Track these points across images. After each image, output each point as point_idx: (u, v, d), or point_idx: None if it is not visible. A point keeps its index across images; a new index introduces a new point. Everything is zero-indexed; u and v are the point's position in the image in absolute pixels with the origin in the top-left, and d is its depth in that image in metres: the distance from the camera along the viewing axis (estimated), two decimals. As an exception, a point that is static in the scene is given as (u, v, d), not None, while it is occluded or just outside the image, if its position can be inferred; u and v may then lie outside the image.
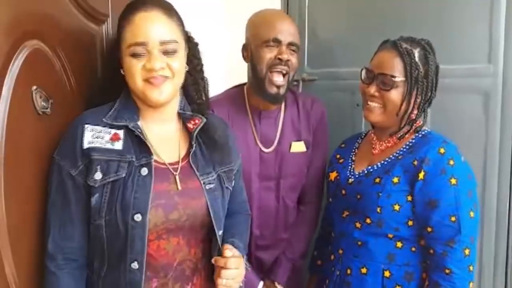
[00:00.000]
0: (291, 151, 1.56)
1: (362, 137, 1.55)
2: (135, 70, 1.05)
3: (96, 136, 1.05)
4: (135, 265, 1.03)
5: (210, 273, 1.16)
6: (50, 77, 1.06)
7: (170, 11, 1.09)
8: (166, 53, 1.06)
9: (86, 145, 1.04)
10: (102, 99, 1.14)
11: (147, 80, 1.05)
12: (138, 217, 1.02)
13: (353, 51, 1.78)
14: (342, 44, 1.88)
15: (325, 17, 1.94)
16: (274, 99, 1.47)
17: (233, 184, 1.24)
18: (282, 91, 1.46)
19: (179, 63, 1.09)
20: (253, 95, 1.54)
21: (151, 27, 1.04)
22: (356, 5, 1.84)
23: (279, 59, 1.42)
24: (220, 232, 1.15)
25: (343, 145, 1.57)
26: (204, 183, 1.12)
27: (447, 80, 1.59)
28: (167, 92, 1.08)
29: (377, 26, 1.73)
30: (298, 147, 1.57)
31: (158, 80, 1.05)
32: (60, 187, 1.04)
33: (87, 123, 1.06)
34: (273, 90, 1.44)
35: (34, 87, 0.98)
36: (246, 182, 1.39)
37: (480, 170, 1.54)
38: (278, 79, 1.44)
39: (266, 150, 1.55)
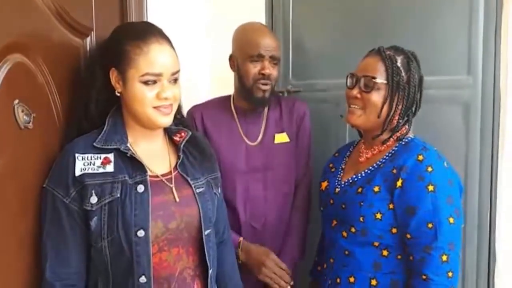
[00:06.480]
0: (275, 142, 1.66)
1: (354, 145, 1.56)
2: (147, 97, 1.10)
3: (88, 163, 1.08)
4: (143, 279, 1.07)
5: (206, 279, 1.20)
6: (32, 91, 1.05)
7: (171, 43, 1.16)
8: (171, 82, 1.13)
9: (78, 172, 1.07)
10: (86, 114, 1.16)
11: (156, 108, 1.11)
12: (141, 233, 1.07)
13: (338, 63, 1.80)
14: (327, 56, 1.91)
15: (310, 29, 1.97)
16: (261, 102, 1.61)
17: (219, 190, 1.29)
18: (267, 94, 1.61)
19: (179, 90, 1.16)
20: (240, 100, 1.66)
21: (166, 59, 1.11)
22: (341, 18, 1.87)
23: (263, 74, 1.56)
24: (207, 232, 1.18)
25: (336, 154, 1.59)
26: (195, 187, 1.18)
27: (427, 91, 1.62)
28: (171, 117, 1.16)
29: (360, 38, 1.76)
30: (281, 137, 1.67)
31: (168, 108, 1.13)
32: (54, 215, 1.06)
33: (77, 153, 1.08)
34: (260, 94, 1.59)
35: (16, 101, 0.97)
36: (233, 176, 1.58)
37: (461, 179, 1.55)
38: (263, 86, 1.58)
39: (251, 144, 1.64)
